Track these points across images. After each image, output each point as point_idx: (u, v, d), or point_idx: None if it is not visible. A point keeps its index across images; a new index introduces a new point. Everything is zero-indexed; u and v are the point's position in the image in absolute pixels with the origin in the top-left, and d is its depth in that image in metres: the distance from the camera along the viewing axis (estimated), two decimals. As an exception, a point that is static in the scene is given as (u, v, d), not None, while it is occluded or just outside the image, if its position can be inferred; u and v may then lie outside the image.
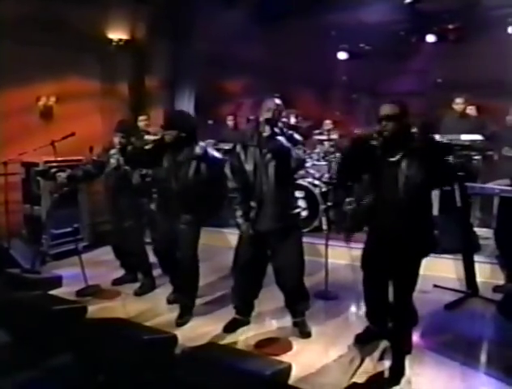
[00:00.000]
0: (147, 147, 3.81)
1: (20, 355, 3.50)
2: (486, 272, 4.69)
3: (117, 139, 4.41)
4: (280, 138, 3.39)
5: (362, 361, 3.34)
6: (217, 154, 3.99)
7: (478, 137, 5.06)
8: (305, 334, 3.70)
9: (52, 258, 5.48)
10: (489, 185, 4.18)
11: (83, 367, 3.32)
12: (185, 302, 4.01)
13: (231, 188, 3.58)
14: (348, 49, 8.94)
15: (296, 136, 3.54)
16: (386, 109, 3.03)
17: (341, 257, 5.32)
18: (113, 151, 4.47)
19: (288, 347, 3.53)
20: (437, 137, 5.06)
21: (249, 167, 3.51)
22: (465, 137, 5.03)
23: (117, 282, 4.83)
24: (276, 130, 3.40)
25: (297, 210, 3.68)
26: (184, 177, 3.79)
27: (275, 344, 3.57)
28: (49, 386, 3.28)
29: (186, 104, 7.54)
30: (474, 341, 3.63)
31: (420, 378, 3.12)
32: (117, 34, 6.74)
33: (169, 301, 4.36)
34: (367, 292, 3.48)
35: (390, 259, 3.08)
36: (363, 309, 3.76)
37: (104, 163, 4.53)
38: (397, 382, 3.03)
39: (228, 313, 3.95)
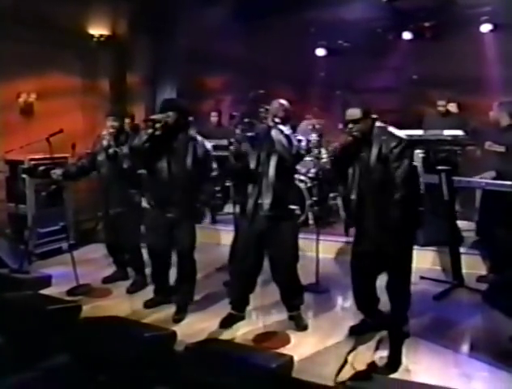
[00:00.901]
0: (146, 136, 3.66)
1: (16, 356, 3.45)
2: (468, 263, 4.83)
3: (109, 123, 4.42)
4: (282, 127, 3.48)
5: (358, 351, 3.42)
6: (206, 141, 3.97)
7: (459, 132, 5.22)
8: (301, 327, 3.76)
9: (38, 257, 5.39)
10: (476, 178, 4.31)
11: (82, 367, 3.30)
12: (184, 299, 4.01)
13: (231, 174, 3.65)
14: (327, 45, 9.01)
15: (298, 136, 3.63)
16: (350, 114, 3.38)
17: (329, 251, 5.44)
18: (103, 133, 4.44)
19: (286, 340, 3.58)
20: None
21: (252, 155, 3.57)
22: (447, 132, 5.18)
23: (107, 280, 4.78)
24: (278, 120, 3.49)
25: (295, 206, 3.74)
26: (182, 161, 3.76)
27: (273, 337, 3.62)
28: (48, 386, 3.26)
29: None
30: (464, 329, 3.79)
31: (416, 366, 3.22)
32: (98, 30, 6.64)
33: (147, 306, 4.20)
34: (355, 283, 3.59)
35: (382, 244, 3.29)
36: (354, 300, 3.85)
37: (96, 153, 4.49)
38: (395, 370, 3.13)
39: (223, 308, 3.98)
